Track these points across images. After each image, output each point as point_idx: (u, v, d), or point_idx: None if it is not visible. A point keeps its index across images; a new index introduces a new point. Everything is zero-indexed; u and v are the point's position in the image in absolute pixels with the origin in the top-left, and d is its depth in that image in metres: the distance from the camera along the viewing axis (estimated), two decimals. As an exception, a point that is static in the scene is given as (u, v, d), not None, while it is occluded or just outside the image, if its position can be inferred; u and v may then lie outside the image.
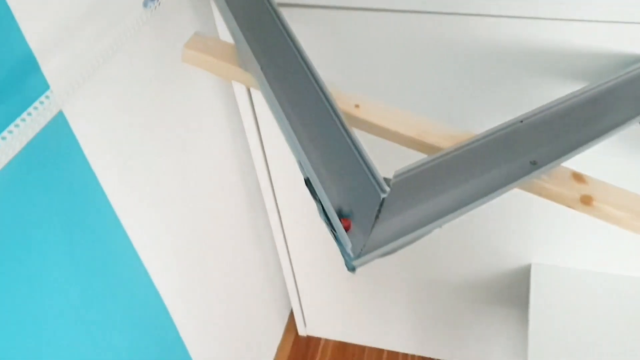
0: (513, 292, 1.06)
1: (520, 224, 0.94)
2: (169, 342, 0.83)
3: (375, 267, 1.14)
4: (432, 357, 1.31)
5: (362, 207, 0.50)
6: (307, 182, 0.49)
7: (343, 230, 0.45)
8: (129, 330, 0.71)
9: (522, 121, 0.57)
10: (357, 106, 0.60)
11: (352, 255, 0.45)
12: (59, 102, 0.47)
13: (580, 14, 0.65)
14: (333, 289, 1.24)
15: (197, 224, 0.88)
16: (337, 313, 1.30)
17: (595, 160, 0.79)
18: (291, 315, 1.37)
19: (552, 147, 0.59)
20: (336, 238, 0.46)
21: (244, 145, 1.00)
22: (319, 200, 0.47)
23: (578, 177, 0.59)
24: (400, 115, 0.60)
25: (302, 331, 1.37)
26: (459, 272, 1.09)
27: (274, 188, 1.05)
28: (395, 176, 0.51)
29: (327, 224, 0.47)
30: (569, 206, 0.58)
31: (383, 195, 0.49)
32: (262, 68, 0.57)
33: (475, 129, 0.60)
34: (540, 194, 0.58)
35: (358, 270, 0.47)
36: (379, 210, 0.49)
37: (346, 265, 0.46)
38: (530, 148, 0.59)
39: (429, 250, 1.08)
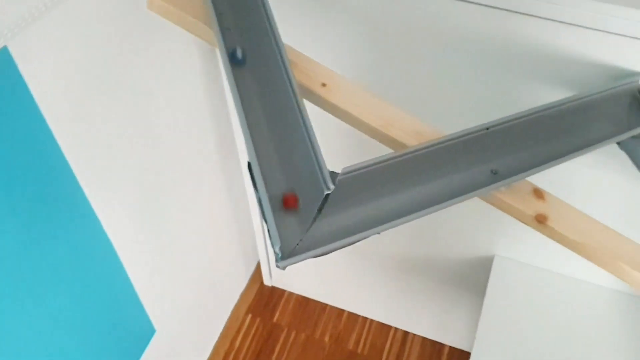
0: (475, 279, 1.06)
1: (489, 216, 0.93)
2: (119, 292, 0.83)
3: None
4: (390, 324, 1.33)
5: (305, 200, 0.48)
6: (250, 166, 0.47)
7: (275, 229, 0.44)
8: (77, 276, 0.71)
9: (488, 128, 0.55)
10: (324, 85, 0.58)
11: (280, 254, 0.43)
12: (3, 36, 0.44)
13: (572, 18, 0.61)
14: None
15: (162, 169, 0.87)
16: (304, 269, 1.31)
17: (567, 176, 0.78)
18: (258, 265, 1.38)
19: (516, 158, 0.57)
20: (268, 232, 0.45)
21: (218, 89, 0.97)
22: (257, 188, 0.46)
23: (538, 193, 0.57)
24: (368, 102, 0.58)
25: (268, 281, 1.38)
26: (428, 253, 1.09)
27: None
28: (344, 172, 0.49)
29: (261, 216, 0.46)
30: (523, 222, 0.56)
31: (327, 192, 0.47)
32: (221, 30, 0.54)
33: (450, 127, 0.57)
34: (496, 206, 0.57)
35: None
36: (322, 207, 0.48)
37: (275, 260, 0.45)
38: (494, 157, 0.56)
39: (401, 229, 1.07)
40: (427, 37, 0.70)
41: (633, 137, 0.62)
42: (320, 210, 0.48)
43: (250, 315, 1.34)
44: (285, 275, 1.37)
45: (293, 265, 1.34)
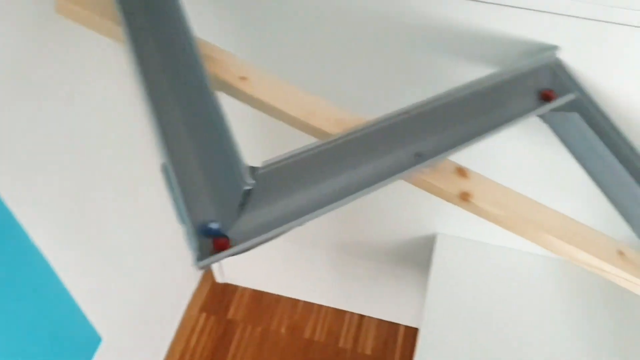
0: (421, 258, 1.08)
1: (428, 197, 0.94)
2: (56, 303, 0.81)
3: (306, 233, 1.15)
4: (344, 309, 1.34)
5: (225, 198, 0.48)
6: (164, 168, 0.46)
7: (192, 230, 0.43)
8: (7, 291, 0.69)
9: (408, 112, 0.55)
10: (243, 78, 0.57)
11: (197, 255, 0.43)
12: None
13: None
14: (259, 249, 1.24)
15: (92, 174, 0.84)
16: (255, 263, 1.31)
17: (495, 151, 0.79)
18: (210, 261, 1.37)
19: (439, 139, 0.58)
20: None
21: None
22: (173, 188, 0.45)
23: (461, 171, 0.58)
24: (289, 93, 0.57)
25: (220, 278, 1.37)
26: (373, 237, 1.10)
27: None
28: (264, 166, 0.48)
29: (178, 217, 0.45)
30: (449, 200, 0.57)
31: (246, 187, 0.46)
32: (131, 30, 0.53)
33: (375, 113, 0.57)
34: (422, 187, 0.58)
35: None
36: (243, 202, 0.47)
37: (193, 261, 0.44)
38: (416, 140, 0.57)
39: (345, 214, 1.07)
40: (342, 22, 0.70)
41: (553, 109, 0.64)
42: (242, 206, 0.47)
43: (204, 314, 1.33)
44: (237, 271, 1.36)
45: (244, 260, 1.33)
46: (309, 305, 1.35)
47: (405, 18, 0.66)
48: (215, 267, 1.33)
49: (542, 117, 0.64)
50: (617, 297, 0.90)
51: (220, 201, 0.47)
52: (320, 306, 1.35)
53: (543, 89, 0.65)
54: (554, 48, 0.65)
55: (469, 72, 0.67)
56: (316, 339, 1.29)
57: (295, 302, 1.35)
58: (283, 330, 1.30)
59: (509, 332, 0.87)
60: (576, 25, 0.62)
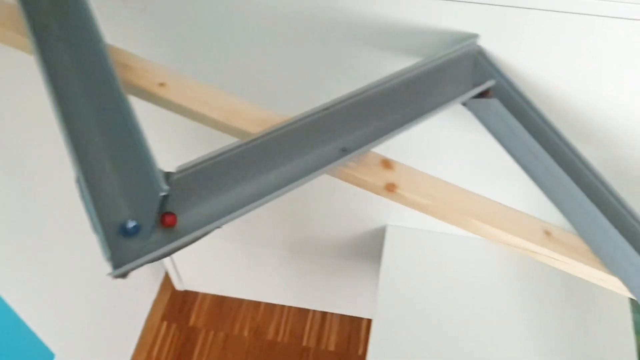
0: (374, 251, 1.09)
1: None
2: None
3: (247, 227, 1.15)
4: (307, 308, 1.34)
5: (142, 205, 0.47)
6: (77, 181, 0.46)
7: (103, 237, 0.43)
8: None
9: (328, 108, 0.56)
10: (162, 84, 0.57)
11: (112, 263, 0.42)
12: None
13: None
14: (206, 247, 1.23)
15: (28, 188, 0.83)
16: (214, 269, 1.30)
17: (421, 140, 0.80)
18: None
19: (361, 133, 0.58)
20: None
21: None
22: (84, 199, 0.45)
23: (387, 163, 0.59)
24: (209, 96, 0.57)
25: (179, 286, 1.36)
26: (326, 232, 1.11)
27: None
28: (179, 171, 0.48)
29: (91, 226, 0.44)
30: (375, 193, 0.58)
31: (162, 193, 0.46)
32: (38, 40, 0.52)
33: (301, 108, 0.58)
34: (348, 181, 0.58)
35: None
36: (161, 209, 0.47)
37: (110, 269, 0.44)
38: (340, 135, 0.58)
39: (297, 211, 1.08)
40: (264, 20, 0.70)
41: (475, 96, 0.65)
42: (160, 212, 0.47)
43: (165, 322, 1.32)
44: (196, 278, 1.35)
45: (202, 266, 1.32)
46: (271, 307, 1.34)
47: (326, 13, 0.67)
48: (173, 274, 1.32)
49: (465, 104, 0.65)
50: (565, 280, 0.92)
51: (138, 208, 0.47)
52: (283, 307, 1.35)
53: (466, 77, 0.66)
54: (475, 36, 0.66)
55: (394, 65, 0.68)
56: (279, 339, 1.29)
57: (257, 304, 1.35)
58: (246, 333, 1.30)
59: (460, 318, 0.89)
60: (494, 12, 0.63)
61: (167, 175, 0.47)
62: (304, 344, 1.29)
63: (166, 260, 1.26)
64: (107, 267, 0.43)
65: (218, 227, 0.48)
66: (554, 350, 0.84)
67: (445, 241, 0.98)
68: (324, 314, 1.34)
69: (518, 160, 0.63)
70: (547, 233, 0.59)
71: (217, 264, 1.28)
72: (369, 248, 1.09)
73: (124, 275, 0.44)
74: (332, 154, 0.57)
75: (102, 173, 0.48)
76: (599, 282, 0.60)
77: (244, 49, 0.74)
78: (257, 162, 0.53)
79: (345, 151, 0.57)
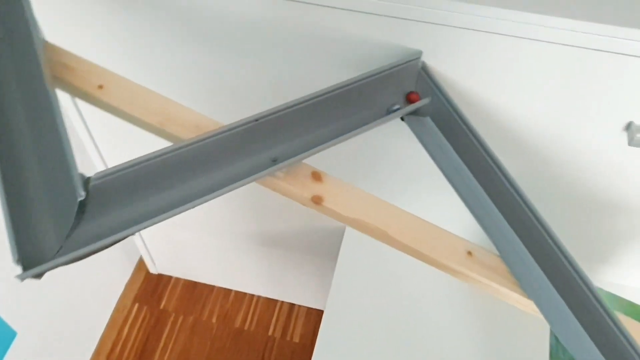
0: (336, 248, 1.11)
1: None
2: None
3: (220, 217, 1.17)
4: (275, 298, 1.37)
5: (62, 210, 0.49)
6: None
7: (12, 238, 0.45)
8: None
9: (257, 120, 0.57)
10: (100, 87, 0.58)
11: (21, 269, 0.44)
12: None
13: (354, 5, 0.63)
14: (180, 234, 1.26)
15: None
16: (187, 255, 1.33)
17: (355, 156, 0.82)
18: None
19: (293, 144, 0.60)
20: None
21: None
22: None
23: (317, 176, 0.60)
24: (147, 100, 0.59)
25: (153, 269, 1.39)
26: (293, 226, 1.13)
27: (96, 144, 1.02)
28: (97, 177, 0.50)
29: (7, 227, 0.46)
30: (302, 204, 0.60)
31: (79, 198, 0.48)
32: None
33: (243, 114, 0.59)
34: (277, 191, 0.60)
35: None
36: (78, 215, 0.49)
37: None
38: (272, 145, 0.59)
39: (265, 205, 1.10)
40: (205, 31, 0.71)
41: (413, 113, 0.66)
42: (77, 217, 0.49)
43: (137, 304, 1.35)
44: (171, 262, 1.38)
45: (176, 251, 1.34)
46: (241, 295, 1.37)
47: (270, 25, 0.68)
48: (146, 258, 1.35)
49: (403, 119, 0.66)
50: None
51: (57, 213, 0.49)
52: (252, 296, 1.38)
53: (408, 92, 0.67)
54: (419, 53, 0.67)
55: (338, 77, 0.69)
56: (246, 328, 1.32)
57: (227, 292, 1.38)
58: (214, 319, 1.33)
59: (404, 317, 0.91)
60: (435, 30, 0.64)
61: (87, 180, 0.49)
62: (270, 333, 1.32)
63: (139, 244, 1.29)
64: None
65: (132, 234, 0.50)
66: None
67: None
68: (291, 305, 1.36)
69: (448, 178, 0.64)
70: (469, 253, 0.61)
71: (191, 250, 1.31)
72: (332, 245, 1.11)
73: (38, 276, 0.46)
74: (262, 163, 0.58)
75: (28, 173, 0.50)
76: (517, 305, 0.61)
77: (190, 56, 0.75)
78: (183, 169, 0.55)
79: (275, 161, 0.59)
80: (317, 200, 0.59)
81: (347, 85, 0.63)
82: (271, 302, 1.36)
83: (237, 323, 1.33)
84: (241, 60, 0.73)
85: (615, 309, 0.66)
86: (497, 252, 0.61)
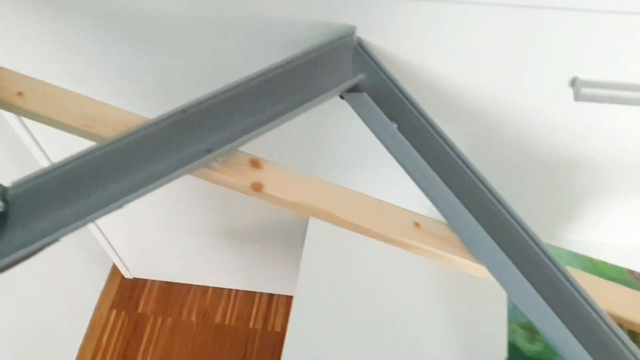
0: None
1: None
2: None
3: (187, 214, 1.15)
4: (253, 290, 1.36)
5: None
6: None
7: None
8: None
9: (184, 111, 0.56)
10: (20, 94, 0.57)
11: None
12: None
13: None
14: (150, 236, 1.24)
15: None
16: (161, 256, 1.32)
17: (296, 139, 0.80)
18: (115, 260, 1.37)
19: (227, 133, 0.59)
20: None
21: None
22: None
23: (255, 163, 0.59)
24: (70, 103, 0.57)
25: (128, 274, 1.38)
26: (261, 218, 1.12)
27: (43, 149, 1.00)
28: (14, 185, 0.48)
29: None
30: (242, 192, 0.58)
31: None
32: None
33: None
34: (215, 182, 0.58)
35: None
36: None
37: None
38: (205, 135, 0.58)
39: (231, 201, 1.09)
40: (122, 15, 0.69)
41: (352, 89, 0.64)
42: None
43: (114, 311, 1.33)
44: (144, 265, 1.37)
45: (150, 253, 1.32)
46: (218, 291, 1.36)
47: (194, 18, 0.66)
48: (119, 264, 1.33)
49: (343, 98, 0.65)
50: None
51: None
52: (230, 290, 1.37)
53: (345, 70, 0.66)
54: (352, 28, 0.65)
55: (269, 59, 0.67)
56: (227, 323, 1.31)
57: (205, 289, 1.37)
58: (193, 318, 1.32)
59: (377, 293, 0.90)
60: (367, 3, 0.62)
61: (4, 190, 0.47)
62: (251, 326, 1.31)
63: (109, 251, 1.27)
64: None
65: (60, 237, 0.48)
66: (439, 336, 0.86)
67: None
68: (270, 296, 1.36)
69: (392, 153, 0.63)
70: (417, 225, 0.60)
71: (164, 251, 1.30)
72: (302, 232, 1.10)
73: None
74: (196, 155, 0.57)
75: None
76: (470, 272, 0.60)
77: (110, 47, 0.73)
78: (111, 168, 0.53)
79: (209, 152, 0.57)
80: (257, 188, 0.57)
81: (279, 67, 0.61)
82: (250, 295, 1.36)
83: (217, 319, 1.32)
84: (172, 59, 0.72)
85: (574, 265, 0.66)
86: (445, 222, 0.60)
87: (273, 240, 1.18)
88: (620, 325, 0.61)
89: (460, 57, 0.66)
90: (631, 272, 0.65)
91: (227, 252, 1.25)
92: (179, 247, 1.27)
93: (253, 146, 0.63)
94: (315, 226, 1.00)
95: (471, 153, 0.67)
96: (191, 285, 1.37)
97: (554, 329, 0.54)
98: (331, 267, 0.94)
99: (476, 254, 0.59)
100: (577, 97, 0.67)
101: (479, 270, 0.60)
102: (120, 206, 0.51)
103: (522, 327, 0.57)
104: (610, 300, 0.60)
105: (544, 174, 0.83)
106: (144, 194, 0.53)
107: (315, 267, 0.95)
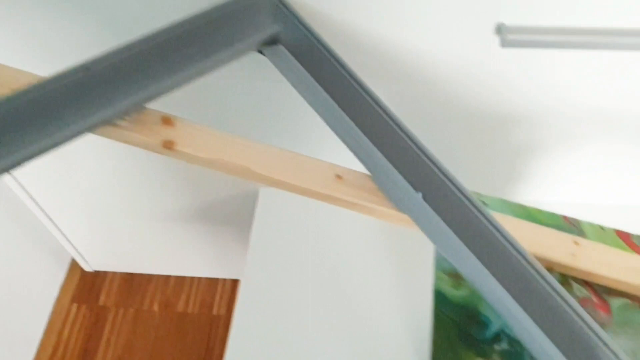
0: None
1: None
2: None
3: (138, 199, 1.13)
4: (216, 277, 1.34)
5: None
6: None
7: None
8: None
9: (88, 68, 0.54)
10: None
11: None
12: None
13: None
14: (106, 226, 1.22)
15: None
16: (120, 247, 1.29)
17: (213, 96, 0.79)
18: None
19: (133, 91, 0.56)
20: None
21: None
22: None
23: (167, 120, 0.57)
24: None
25: (87, 267, 1.35)
26: (209, 199, 1.10)
27: None
28: None
29: None
30: (154, 151, 0.56)
31: None
32: None
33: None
34: (125, 142, 0.56)
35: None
36: None
37: None
38: (108, 94, 0.56)
39: (178, 181, 1.07)
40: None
41: (270, 43, 0.63)
42: None
43: (75, 304, 1.31)
44: (104, 258, 1.34)
45: (107, 246, 1.29)
46: (180, 280, 1.34)
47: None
48: (77, 257, 1.31)
49: (263, 53, 0.63)
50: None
51: None
52: (193, 278, 1.34)
53: (264, 23, 0.64)
54: (269, -19, 0.64)
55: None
56: (189, 311, 1.29)
57: (166, 278, 1.35)
58: (155, 307, 1.30)
59: (325, 278, 0.88)
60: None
61: None
62: (215, 312, 1.29)
63: (67, 245, 1.25)
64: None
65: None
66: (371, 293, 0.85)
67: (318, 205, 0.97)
68: (234, 281, 1.34)
69: (312, 106, 0.61)
70: (339, 177, 0.59)
71: (121, 242, 1.27)
72: (250, 212, 1.08)
73: None
74: (99, 113, 0.55)
75: None
76: (393, 222, 0.59)
77: None
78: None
79: (115, 109, 0.55)
80: (168, 145, 0.56)
81: (192, 21, 0.60)
82: (213, 282, 1.34)
83: (180, 308, 1.30)
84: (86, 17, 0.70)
85: (505, 213, 0.64)
86: (368, 173, 0.59)
87: (230, 221, 1.16)
88: (551, 269, 0.59)
89: (383, 10, 0.65)
90: (566, 218, 0.64)
91: (186, 238, 1.23)
92: (137, 237, 1.24)
93: (173, 106, 0.61)
94: (264, 203, 0.98)
95: (401, 110, 0.66)
96: (153, 275, 1.35)
97: (476, 273, 0.52)
98: (281, 244, 0.93)
99: (398, 204, 0.57)
100: (504, 44, 0.66)
101: (404, 220, 0.58)
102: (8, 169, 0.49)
103: (447, 274, 0.55)
104: (539, 244, 0.59)
105: (483, 131, 0.81)
106: (41, 152, 0.51)
107: (265, 245, 0.93)
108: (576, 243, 0.59)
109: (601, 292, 0.59)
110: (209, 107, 0.80)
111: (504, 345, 0.51)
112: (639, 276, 0.58)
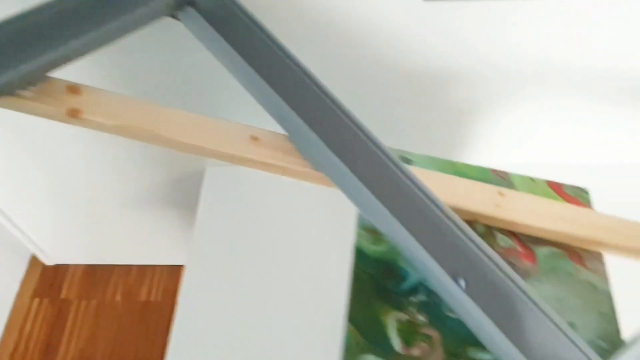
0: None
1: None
2: None
3: (94, 188, 1.11)
4: (179, 264, 1.33)
5: None
6: None
7: None
8: None
9: (-20, 35, 0.52)
10: None
11: None
12: None
13: None
14: (66, 220, 1.20)
15: None
16: (80, 239, 1.27)
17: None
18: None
19: (35, 59, 0.55)
20: None
21: None
22: None
23: (74, 89, 0.55)
24: None
25: (48, 261, 1.33)
26: (155, 181, 1.08)
27: None
28: None
29: None
30: (59, 120, 0.55)
31: None
32: None
33: None
34: (29, 112, 0.55)
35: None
36: None
37: None
38: (7, 64, 0.54)
39: (133, 166, 1.05)
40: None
41: (181, 4, 0.61)
42: None
43: (37, 299, 1.29)
44: (64, 251, 1.32)
45: (67, 239, 1.26)
46: (142, 269, 1.32)
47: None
48: (37, 251, 1.29)
49: (177, 18, 0.62)
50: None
51: None
52: (155, 267, 1.33)
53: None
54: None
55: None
56: (152, 299, 1.28)
57: (128, 268, 1.33)
58: (118, 298, 1.28)
59: (275, 257, 0.87)
60: None
61: None
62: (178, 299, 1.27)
63: (25, 239, 1.23)
64: None
65: None
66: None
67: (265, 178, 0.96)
68: (198, 267, 1.32)
69: (226, 66, 0.60)
70: (254, 138, 0.57)
71: (82, 233, 1.25)
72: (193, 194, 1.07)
73: None
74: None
75: None
76: (312, 181, 0.58)
77: None
78: None
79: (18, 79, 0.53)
80: (73, 114, 0.54)
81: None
82: (175, 269, 1.32)
83: (142, 297, 1.28)
84: None
85: (431, 168, 0.63)
86: (285, 133, 0.58)
87: (182, 207, 1.14)
88: (475, 221, 0.59)
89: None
90: (494, 171, 0.63)
91: (145, 226, 1.21)
92: (96, 227, 1.23)
93: (85, 76, 0.60)
94: (209, 181, 0.96)
95: (329, 74, 0.64)
96: (115, 265, 1.33)
97: (389, 225, 0.51)
98: (227, 226, 0.91)
99: (316, 164, 0.56)
100: (425, -2, 0.65)
101: (322, 179, 0.57)
102: None
103: (366, 230, 0.54)
104: (462, 196, 0.58)
105: (419, 92, 0.80)
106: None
107: (210, 228, 0.91)
108: (501, 194, 0.58)
109: (527, 241, 0.58)
110: (123, 73, 0.78)
111: (421, 297, 0.50)
112: (565, 223, 0.57)
